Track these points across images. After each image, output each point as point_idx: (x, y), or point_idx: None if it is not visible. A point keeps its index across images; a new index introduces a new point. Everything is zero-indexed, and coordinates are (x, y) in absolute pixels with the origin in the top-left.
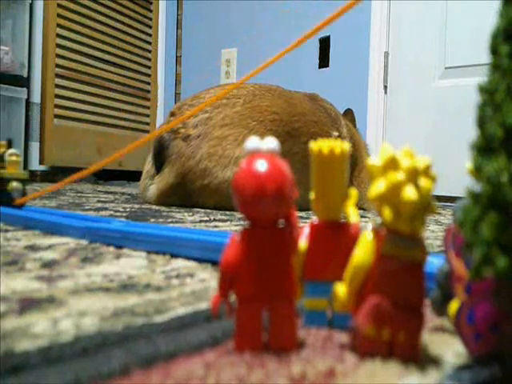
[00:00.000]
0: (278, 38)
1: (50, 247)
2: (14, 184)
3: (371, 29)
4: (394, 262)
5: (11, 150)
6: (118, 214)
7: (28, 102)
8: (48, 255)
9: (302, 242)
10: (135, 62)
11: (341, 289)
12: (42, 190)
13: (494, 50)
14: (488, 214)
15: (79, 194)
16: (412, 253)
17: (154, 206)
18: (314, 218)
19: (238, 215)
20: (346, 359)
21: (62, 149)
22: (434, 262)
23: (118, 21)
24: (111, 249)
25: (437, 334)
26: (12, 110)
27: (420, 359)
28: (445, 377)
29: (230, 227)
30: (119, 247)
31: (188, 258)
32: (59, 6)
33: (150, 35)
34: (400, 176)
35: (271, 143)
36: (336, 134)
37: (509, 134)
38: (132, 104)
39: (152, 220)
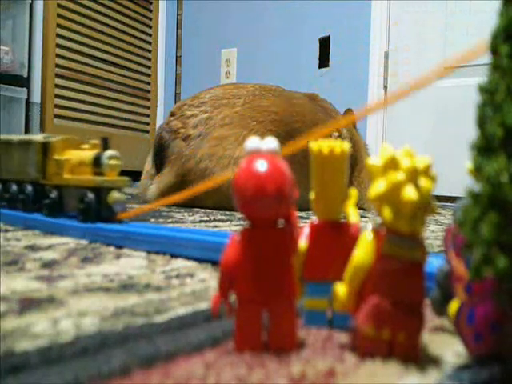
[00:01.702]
0: (277, 38)
1: (50, 247)
2: (116, 195)
3: (371, 29)
4: (394, 262)
5: (110, 152)
6: None
7: (28, 102)
8: (48, 255)
9: (302, 242)
10: (135, 62)
11: (341, 289)
12: (150, 205)
13: (494, 50)
14: (488, 214)
15: None
16: (412, 253)
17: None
18: (314, 218)
19: (238, 215)
20: (346, 359)
21: None
22: (434, 262)
23: (118, 21)
24: (111, 249)
25: (437, 334)
26: (12, 110)
27: (420, 359)
28: (445, 377)
29: (229, 227)
30: (119, 247)
31: (188, 258)
32: (59, 6)
33: (150, 35)
34: (400, 176)
35: (271, 143)
36: (336, 134)
37: (509, 133)
38: (132, 104)
39: (152, 220)
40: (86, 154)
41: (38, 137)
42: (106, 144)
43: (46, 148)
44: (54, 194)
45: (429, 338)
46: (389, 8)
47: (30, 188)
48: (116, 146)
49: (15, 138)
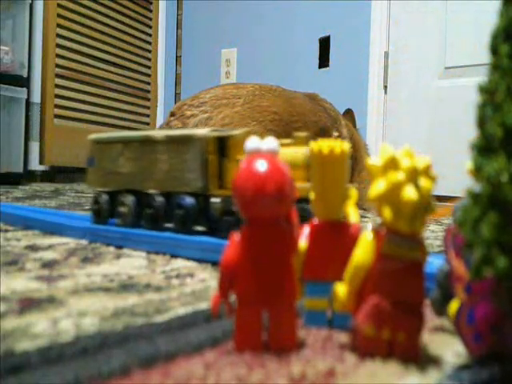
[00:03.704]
0: (277, 38)
1: (50, 247)
2: None
3: (371, 29)
4: (394, 261)
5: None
6: None
7: (28, 102)
8: (48, 255)
9: (302, 242)
10: (135, 62)
11: (341, 289)
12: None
13: (494, 50)
14: (488, 214)
15: (79, 194)
16: (412, 253)
17: None
18: (314, 218)
19: None
20: (346, 359)
21: (62, 149)
22: (434, 262)
23: (118, 21)
24: (111, 249)
25: (437, 334)
26: (12, 110)
27: (420, 359)
28: (445, 377)
29: None
30: (119, 247)
31: (188, 258)
32: (59, 5)
33: (150, 35)
34: (400, 176)
35: (271, 143)
36: (336, 134)
37: (509, 133)
38: (132, 104)
39: None
40: (294, 151)
41: (202, 131)
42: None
43: (222, 145)
44: None
45: (429, 338)
46: (389, 8)
47: (190, 201)
48: None
49: (159, 134)
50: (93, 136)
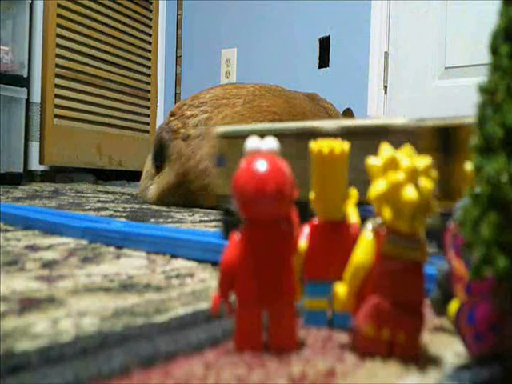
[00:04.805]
0: (278, 38)
1: (50, 247)
2: None
3: (371, 29)
4: (394, 262)
5: None
6: (117, 214)
7: (28, 102)
8: (48, 255)
9: (302, 242)
10: (135, 62)
11: (341, 289)
12: None
13: (494, 50)
14: (488, 214)
15: (79, 194)
16: (412, 253)
17: (153, 206)
18: (314, 218)
19: None
20: (346, 359)
21: (61, 149)
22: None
23: (118, 21)
24: (111, 249)
25: (437, 334)
26: (12, 110)
27: (420, 359)
28: (445, 377)
29: None
30: (119, 247)
31: (188, 258)
32: (59, 5)
33: (150, 35)
34: (400, 176)
35: (271, 143)
36: None
37: (509, 133)
38: (132, 104)
39: (152, 220)
40: None
41: (403, 120)
42: None
43: (446, 137)
44: None
45: (429, 338)
46: (389, 8)
47: None
48: (116, 145)
49: (330, 125)
50: (222, 129)
